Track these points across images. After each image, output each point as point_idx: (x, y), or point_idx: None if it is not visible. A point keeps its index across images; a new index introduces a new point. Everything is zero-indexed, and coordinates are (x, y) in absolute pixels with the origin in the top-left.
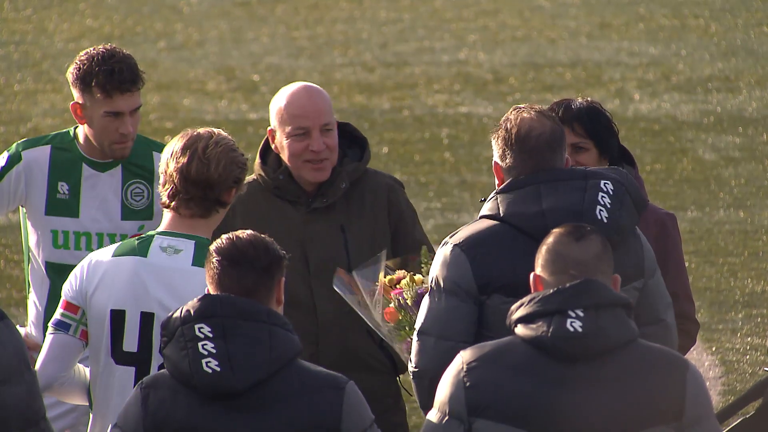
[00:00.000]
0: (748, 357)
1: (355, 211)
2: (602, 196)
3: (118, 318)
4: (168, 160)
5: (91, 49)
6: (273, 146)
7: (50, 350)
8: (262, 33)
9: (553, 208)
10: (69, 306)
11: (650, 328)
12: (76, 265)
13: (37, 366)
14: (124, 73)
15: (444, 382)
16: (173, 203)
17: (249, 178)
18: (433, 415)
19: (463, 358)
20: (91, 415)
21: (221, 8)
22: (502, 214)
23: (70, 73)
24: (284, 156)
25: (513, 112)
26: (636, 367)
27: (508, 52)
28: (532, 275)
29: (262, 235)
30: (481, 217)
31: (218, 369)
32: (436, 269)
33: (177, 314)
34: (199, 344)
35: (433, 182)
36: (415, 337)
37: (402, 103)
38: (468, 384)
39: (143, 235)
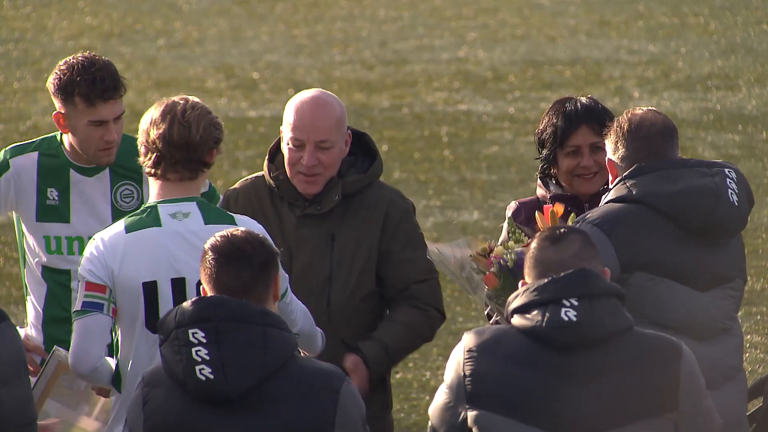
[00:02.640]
0: (748, 355)
1: (348, 221)
2: (730, 182)
3: (150, 290)
4: (148, 129)
5: (71, 58)
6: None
7: (90, 332)
8: (261, 31)
9: (688, 188)
10: (95, 287)
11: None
12: (70, 271)
13: (77, 351)
14: (105, 81)
15: (448, 366)
16: (160, 170)
17: (258, 173)
18: (441, 393)
19: (465, 344)
20: (114, 396)
21: (220, 6)
22: (636, 195)
23: (51, 84)
24: (285, 160)
25: (626, 111)
26: (630, 356)
27: (507, 50)
28: (520, 282)
29: (256, 232)
30: (608, 202)
31: (211, 377)
32: None
33: (172, 315)
34: (193, 350)
35: (432, 180)
36: None
37: (401, 101)
38: (466, 374)
39: (144, 208)
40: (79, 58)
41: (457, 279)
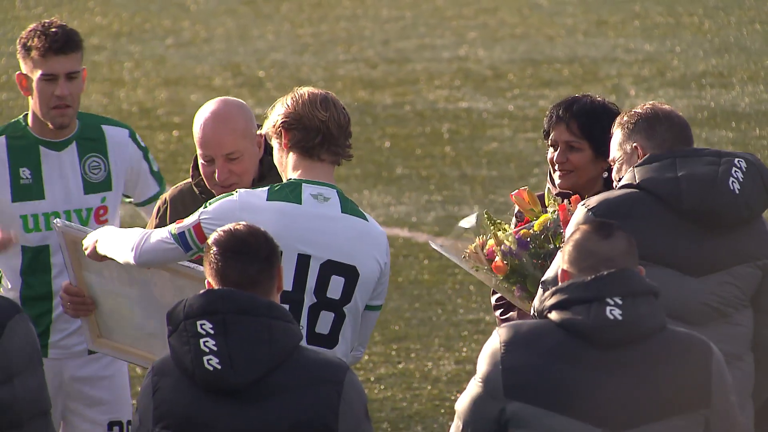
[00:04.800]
0: None
1: None
2: (735, 171)
3: None
4: (312, 113)
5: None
6: None
7: (164, 250)
8: (267, 30)
9: (687, 175)
10: (200, 234)
11: None
12: (49, 246)
13: (147, 251)
14: (58, 35)
15: (483, 359)
16: (320, 150)
17: (186, 180)
18: (473, 387)
19: (500, 337)
20: None
21: (227, 6)
22: (637, 182)
23: (17, 44)
24: (201, 172)
25: (644, 106)
26: (666, 353)
27: (507, 48)
28: (560, 271)
29: (257, 226)
30: (620, 188)
31: (219, 367)
32: (571, 228)
33: (180, 307)
34: (201, 341)
35: (434, 176)
36: (540, 289)
37: (404, 98)
38: (504, 366)
39: (288, 182)
40: (43, 21)
41: (462, 265)
